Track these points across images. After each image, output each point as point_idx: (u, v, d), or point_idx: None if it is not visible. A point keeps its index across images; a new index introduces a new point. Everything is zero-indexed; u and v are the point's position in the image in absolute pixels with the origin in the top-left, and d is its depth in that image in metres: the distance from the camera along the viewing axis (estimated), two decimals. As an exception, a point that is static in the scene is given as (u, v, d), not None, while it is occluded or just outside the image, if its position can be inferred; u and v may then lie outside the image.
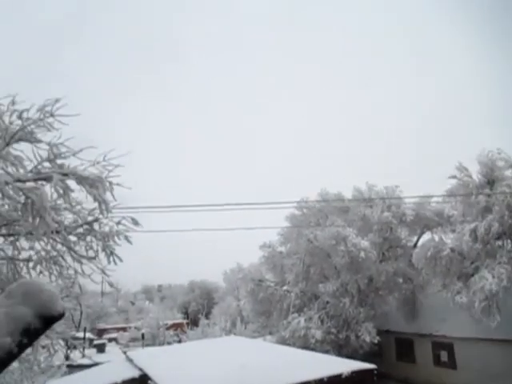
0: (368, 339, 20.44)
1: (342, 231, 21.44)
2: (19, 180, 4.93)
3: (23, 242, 5.32)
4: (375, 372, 13.47)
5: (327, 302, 22.31)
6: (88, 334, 35.70)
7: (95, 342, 36.34)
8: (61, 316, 1.22)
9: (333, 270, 22.93)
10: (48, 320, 1.17)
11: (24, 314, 1.10)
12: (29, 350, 5.89)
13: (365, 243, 21.43)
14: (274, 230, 25.93)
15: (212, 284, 71.85)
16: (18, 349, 1.08)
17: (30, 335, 1.09)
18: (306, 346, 19.75)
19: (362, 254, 20.68)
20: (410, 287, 22.98)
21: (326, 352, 19.05)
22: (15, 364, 6.08)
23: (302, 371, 12.71)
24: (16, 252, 5.35)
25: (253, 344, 21.23)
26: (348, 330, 21.39)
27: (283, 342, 21.64)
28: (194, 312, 62.98)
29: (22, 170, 5.21)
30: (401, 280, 23.48)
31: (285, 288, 25.21)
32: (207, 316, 48.34)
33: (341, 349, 20.84)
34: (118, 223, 5.61)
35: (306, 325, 21.08)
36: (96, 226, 5.53)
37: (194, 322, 54.06)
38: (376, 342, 20.61)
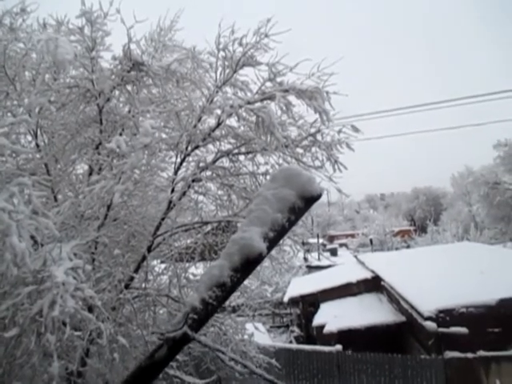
0: None
1: None
2: (248, 102, 5.42)
3: (260, 158, 5.91)
4: None
5: None
6: (320, 240, 39.21)
7: (328, 247, 39.70)
8: (319, 196, 1.35)
9: None
10: (308, 200, 1.30)
11: (288, 195, 1.26)
12: (277, 250, 6.79)
13: None
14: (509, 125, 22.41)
15: (438, 190, 68.13)
16: (288, 224, 1.26)
17: (295, 213, 1.25)
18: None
19: None
20: None
21: None
22: (268, 262, 7.06)
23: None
24: (255, 167, 6.00)
25: (491, 251, 19.57)
26: None
27: (530, 248, 19.42)
28: (421, 219, 61.48)
29: (249, 94, 5.68)
30: None
31: (529, 190, 22.25)
32: (435, 222, 46.54)
33: None
34: (339, 132, 5.67)
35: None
36: (319, 137, 5.71)
37: (422, 229, 52.97)
38: None
